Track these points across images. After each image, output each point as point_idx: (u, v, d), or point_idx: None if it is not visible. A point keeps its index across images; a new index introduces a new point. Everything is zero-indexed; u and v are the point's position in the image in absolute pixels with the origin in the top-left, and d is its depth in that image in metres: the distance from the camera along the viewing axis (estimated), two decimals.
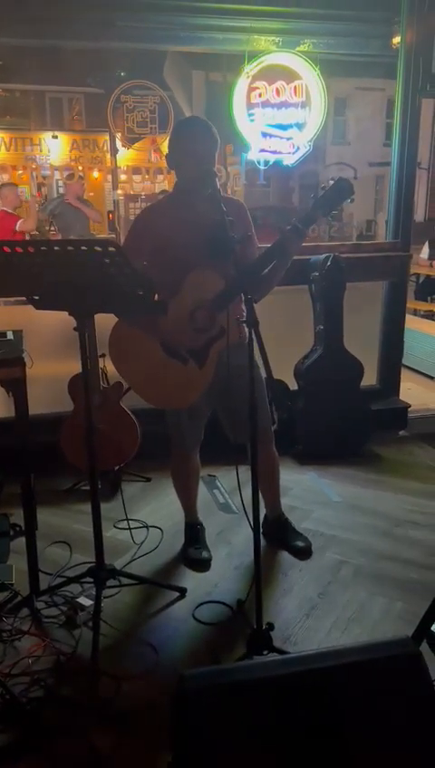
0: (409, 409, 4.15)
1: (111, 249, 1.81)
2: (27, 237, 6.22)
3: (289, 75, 3.80)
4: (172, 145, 2.37)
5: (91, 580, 2.31)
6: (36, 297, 2.11)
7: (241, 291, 2.20)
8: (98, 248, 1.80)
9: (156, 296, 2.05)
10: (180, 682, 1.39)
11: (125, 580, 2.44)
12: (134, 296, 1.97)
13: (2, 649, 2.15)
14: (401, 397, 4.22)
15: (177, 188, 2.46)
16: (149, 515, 3.05)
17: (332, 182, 2.26)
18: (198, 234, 2.27)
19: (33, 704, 1.92)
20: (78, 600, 2.39)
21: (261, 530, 2.46)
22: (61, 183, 11.81)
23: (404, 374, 4.36)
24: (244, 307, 2.01)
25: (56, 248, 1.87)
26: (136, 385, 2.48)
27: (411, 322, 5.07)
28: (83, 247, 1.82)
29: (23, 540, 2.49)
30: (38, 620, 2.30)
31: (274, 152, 3.88)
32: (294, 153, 3.88)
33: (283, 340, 3.11)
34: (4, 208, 6.22)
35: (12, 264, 1.97)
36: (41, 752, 1.77)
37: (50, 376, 3.13)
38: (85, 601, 2.37)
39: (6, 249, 1.89)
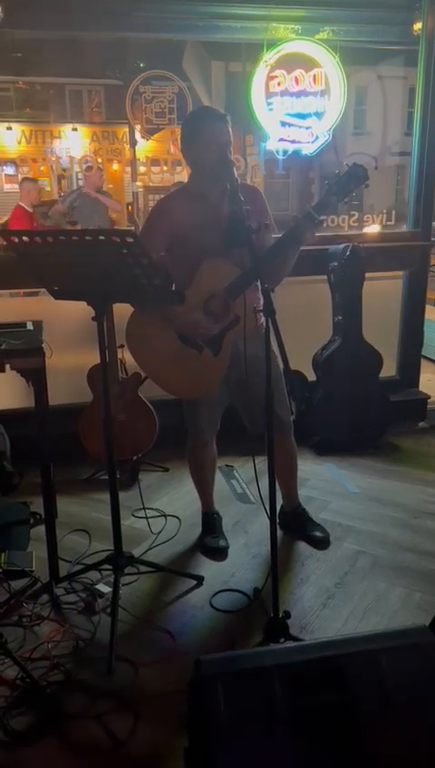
0: (428, 401, 4.12)
1: (128, 240, 1.82)
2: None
3: (308, 63, 3.75)
4: (187, 137, 2.34)
5: (110, 567, 2.34)
6: (55, 287, 2.13)
7: (253, 279, 2.19)
8: (116, 238, 1.81)
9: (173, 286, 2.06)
10: (196, 668, 1.40)
11: (143, 568, 2.47)
12: (152, 286, 1.98)
13: (22, 634, 2.19)
14: (421, 388, 4.19)
15: (192, 179, 2.45)
16: (167, 505, 3.07)
17: (346, 168, 2.22)
18: (213, 224, 2.26)
19: (52, 688, 1.95)
20: (97, 586, 2.42)
21: (278, 520, 2.46)
22: (80, 176, 11.82)
23: (424, 365, 4.32)
24: (259, 296, 2.01)
25: (74, 238, 1.89)
26: (153, 373, 2.50)
27: (431, 313, 5.01)
28: (101, 237, 1.83)
29: (42, 528, 2.52)
30: (57, 606, 2.34)
31: (293, 141, 3.85)
32: (313, 142, 3.85)
33: (301, 330, 3.10)
34: (22, 204, 5.98)
35: (31, 254, 1.99)
36: (59, 735, 1.80)
37: (69, 366, 3.15)
38: (104, 588, 2.40)
39: (26, 239, 1.91)
